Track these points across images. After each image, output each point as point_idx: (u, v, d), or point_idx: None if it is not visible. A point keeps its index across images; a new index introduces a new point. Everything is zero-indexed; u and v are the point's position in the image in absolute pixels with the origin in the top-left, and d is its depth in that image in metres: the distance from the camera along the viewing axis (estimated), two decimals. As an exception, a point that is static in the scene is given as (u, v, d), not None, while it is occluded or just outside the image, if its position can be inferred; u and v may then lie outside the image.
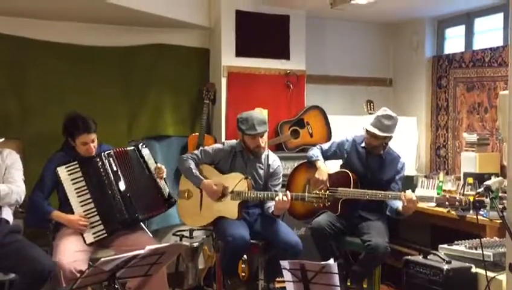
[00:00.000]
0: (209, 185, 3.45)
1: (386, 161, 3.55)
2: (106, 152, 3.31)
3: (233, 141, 3.60)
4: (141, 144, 3.49)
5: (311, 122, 4.47)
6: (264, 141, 3.47)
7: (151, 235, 3.41)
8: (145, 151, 3.44)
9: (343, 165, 3.64)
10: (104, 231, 3.19)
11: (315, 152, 3.65)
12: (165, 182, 3.46)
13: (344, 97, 5.01)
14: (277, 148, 4.35)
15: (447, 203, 3.29)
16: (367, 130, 3.46)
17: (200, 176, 3.48)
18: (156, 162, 3.45)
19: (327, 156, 3.69)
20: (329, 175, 3.55)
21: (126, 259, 2.46)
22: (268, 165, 3.55)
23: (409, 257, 3.08)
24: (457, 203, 3.22)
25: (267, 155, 3.57)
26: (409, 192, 3.31)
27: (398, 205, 3.36)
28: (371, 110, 4.51)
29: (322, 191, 3.27)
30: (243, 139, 3.48)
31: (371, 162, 3.55)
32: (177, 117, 4.39)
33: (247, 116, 3.44)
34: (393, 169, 3.55)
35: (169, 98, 4.35)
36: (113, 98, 4.16)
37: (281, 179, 3.62)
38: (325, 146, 3.72)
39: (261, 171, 3.54)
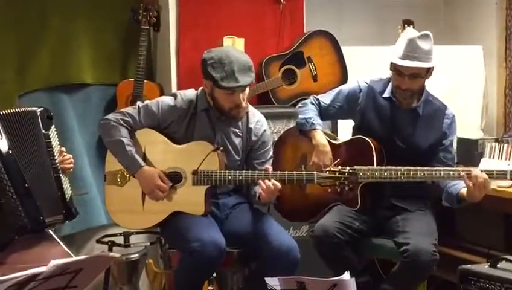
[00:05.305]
0: (151, 175, 3.43)
1: (424, 116, 3.57)
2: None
3: (192, 92, 3.60)
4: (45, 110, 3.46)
5: (314, 57, 4.49)
6: (245, 98, 3.45)
7: (63, 245, 3.44)
8: (52, 125, 3.45)
9: (357, 130, 3.67)
10: (-9, 244, 3.23)
11: (308, 113, 3.65)
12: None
13: (368, 17, 5.05)
14: (261, 100, 4.39)
15: None
16: (391, 64, 3.46)
17: (138, 157, 3.47)
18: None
19: (329, 114, 3.72)
20: (335, 147, 3.57)
21: (20, 281, 2.48)
22: (249, 130, 3.57)
23: (469, 266, 3.14)
24: None
25: (247, 113, 3.58)
26: (477, 170, 3.28)
27: (461, 188, 3.37)
28: (409, 36, 4.55)
29: (339, 167, 3.29)
30: (211, 93, 3.47)
31: (400, 120, 3.57)
32: (98, 55, 4.42)
33: (222, 56, 3.38)
34: (438, 128, 3.58)
35: (84, 25, 4.37)
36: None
37: (271, 153, 3.65)
38: (325, 99, 3.73)
39: (237, 140, 3.57)
